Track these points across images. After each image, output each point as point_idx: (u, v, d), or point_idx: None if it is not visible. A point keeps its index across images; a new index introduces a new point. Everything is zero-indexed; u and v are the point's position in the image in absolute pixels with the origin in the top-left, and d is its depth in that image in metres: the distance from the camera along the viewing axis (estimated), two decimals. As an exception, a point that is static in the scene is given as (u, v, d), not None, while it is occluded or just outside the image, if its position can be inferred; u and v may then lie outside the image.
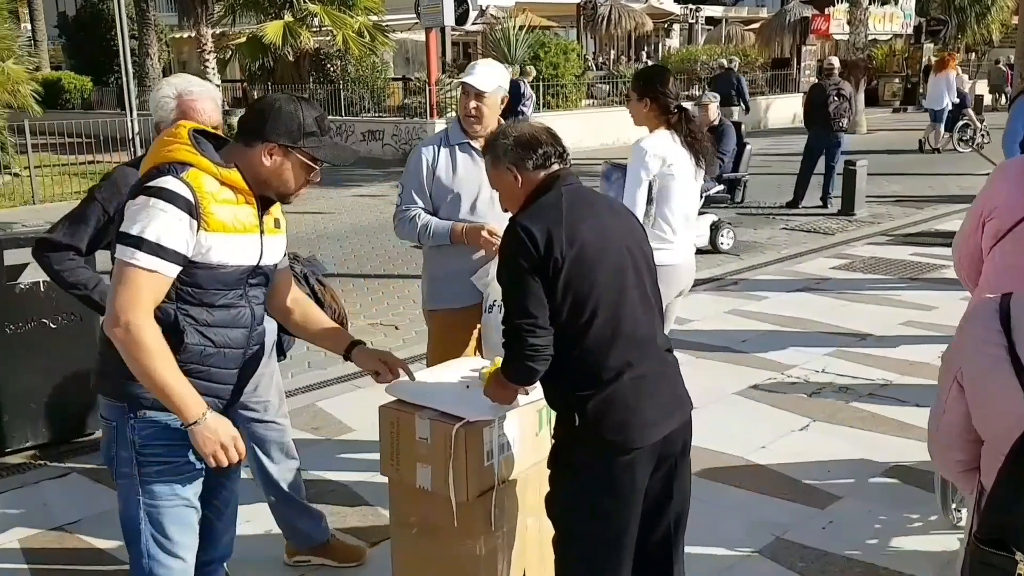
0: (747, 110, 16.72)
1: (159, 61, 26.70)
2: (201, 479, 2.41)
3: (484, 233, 3.44)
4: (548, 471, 2.50)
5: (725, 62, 17.39)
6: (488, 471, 2.59)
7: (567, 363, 2.34)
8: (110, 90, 26.04)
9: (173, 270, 2.19)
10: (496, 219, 3.57)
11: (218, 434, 2.23)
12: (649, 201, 3.78)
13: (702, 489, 4.03)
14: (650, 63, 27.27)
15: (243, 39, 20.73)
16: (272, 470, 3.36)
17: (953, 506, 3.56)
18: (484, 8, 26.61)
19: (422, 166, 3.54)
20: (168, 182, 2.18)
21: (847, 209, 11.02)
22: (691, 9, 31.27)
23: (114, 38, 29.82)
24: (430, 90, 17.43)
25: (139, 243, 2.14)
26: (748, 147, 9.79)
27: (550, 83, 19.96)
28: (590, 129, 20.19)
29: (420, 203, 3.54)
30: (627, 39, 31.99)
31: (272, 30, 19.32)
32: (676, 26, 35.30)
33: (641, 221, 3.50)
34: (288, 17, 19.96)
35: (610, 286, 2.36)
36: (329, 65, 20.86)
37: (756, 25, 31.76)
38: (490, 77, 3.54)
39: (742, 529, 3.73)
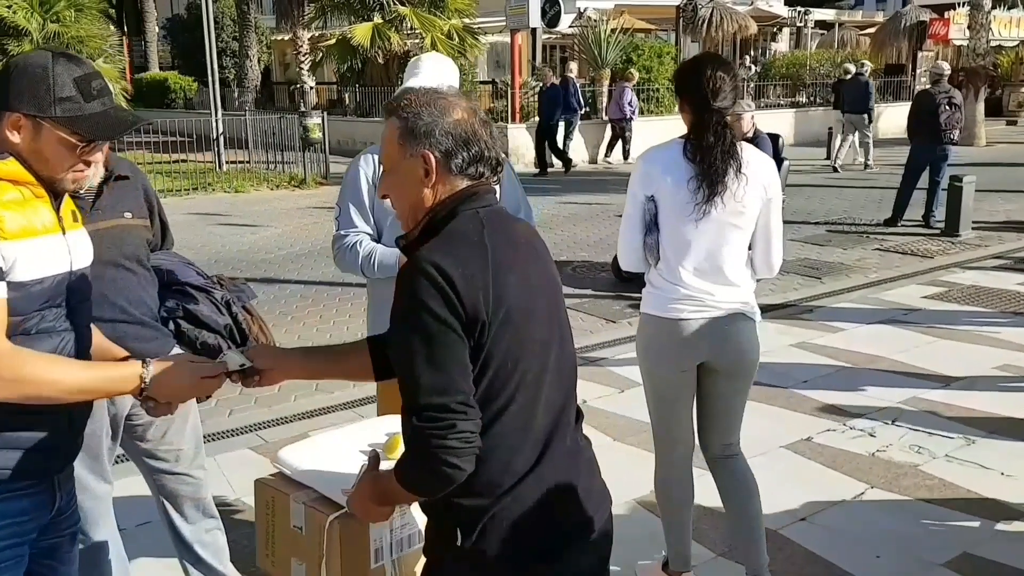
0: (870, 120, 15.61)
1: (258, 63, 27.17)
2: (23, 568, 1.92)
3: None
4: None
5: (853, 67, 16.30)
6: (377, 574, 2.01)
7: None
8: (208, 91, 26.50)
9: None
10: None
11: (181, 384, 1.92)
12: (650, 229, 2.90)
13: (714, 570, 3.36)
14: (754, 68, 26.16)
15: (333, 41, 20.68)
16: (185, 531, 2.86)
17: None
18: (582, 10, 26.04)
19: (361, 182, 2.97)
20: None
21: (951, 229, 9.97)
22: (799, 12, 29.82)
23: (217, 40, 30.63)
24: (513, 94, 16.91)
25: None
26: (786, 163, 8.53)
27: (642, 88, 19.20)
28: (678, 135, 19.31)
29: (362, 227, 2.98)
30: (732, 43, 30.80)
31: (360, 32, 19.17)
32: (786, 30, 33.86)
33: (639, 254, 2.95)
34: (377, 19, 19.79)
35: (533, 365, 1.71)
36: (417, 67, 20.55)
37: (872, 30, 30.09)
38: (439, 75, 2.98)
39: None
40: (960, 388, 5.21)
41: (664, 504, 3.18)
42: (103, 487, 2.66)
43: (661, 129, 18.71)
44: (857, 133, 15.91)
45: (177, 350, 2.63)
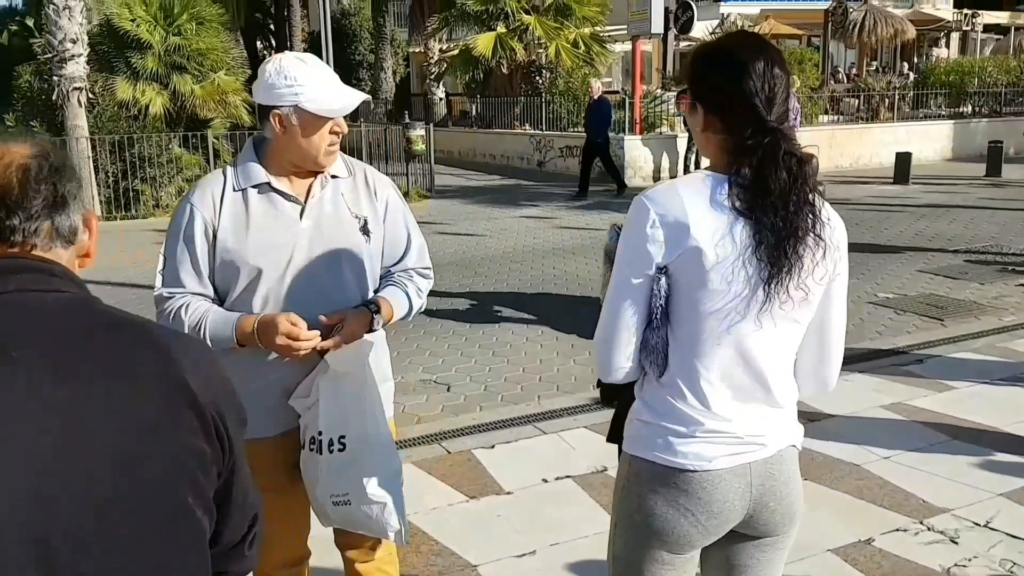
0: None
1: (393, 75, 27.37)
2: None
3: (283, 329, 2.18)
4: None
5: None
6: None
7: None
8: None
9: None
10: (318, 299, 2.30)
11: None
12: (652, 324, 1.76)
13: None
14: (912, 76, 24.08)
15: (457, 52, 20.42)
16: None
17: None
18: (725, 16, 24.80)
19: (195, 230, 2.25)
20: None
21: (1120, 264, 8.42)
22: (966, 15, 27.35)
23: (354, 52, 31.14)
24: (632, 104, 16.02)
25: None
26: (821, 188, 6.94)
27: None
28: (827, 147, 17.90)
29: (190, 286, 2.28)
30: (893, 48, 28.66)
31: (482, 42, 18.80)
32: (954, 34, 31.23)
33: (632, 361, 1.80)
34: (501, 28, 19.35)
35: None
36: (538, 77, 19.99)
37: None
38: (352, 93, 2.31)
39: None
40: (1092, 479, 4.04)
41: None
42: None
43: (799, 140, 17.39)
44: None
45: None
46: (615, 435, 1.92)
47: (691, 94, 1.79)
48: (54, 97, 13.41)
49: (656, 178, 15.25)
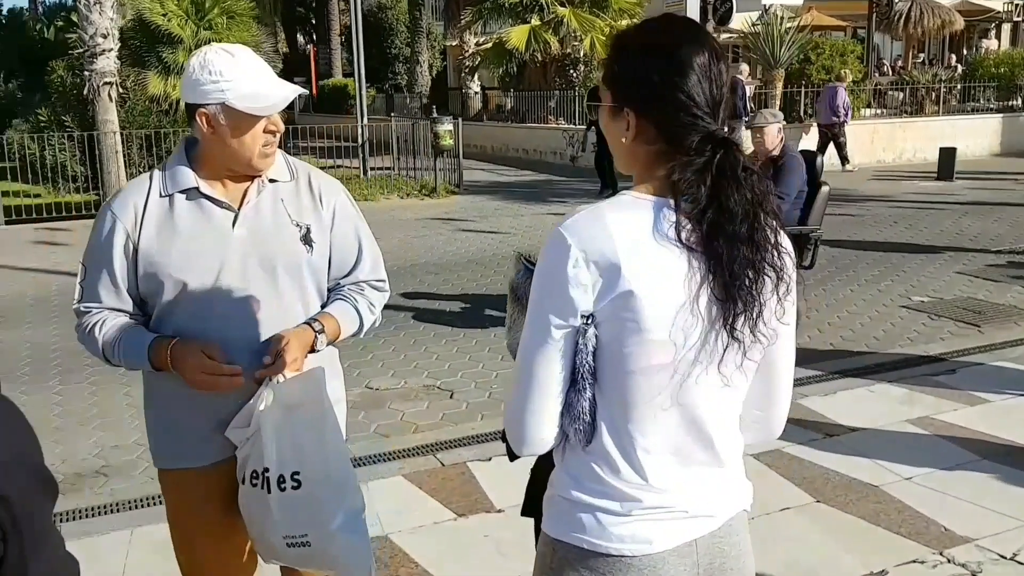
0: None
1: (429, 68, 27.24)
2: None
3: (195, 363, 2.00)
4: None
5: None
6: None
7: None
8: (381, 97, 26.83)
9: None
10: (253, 317, 2.11)
11: None
12: (577, 385, 1.41)
13: None
14: (960, 69, 23.34)
15: (490, 45, 20.21)
16: None
17: None
18: (767, 7, 24.24)
19: (115, 241, 2.05)
20: None
21: None
22: (1017, 5, 26.46)
23: (390, 46, 31.08)
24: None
25: None
26: (825, 189, 6.38)
27: (820, 89, 17.43)
28: (868, 142, 17.41)
29: (108, 301, 2.09)
30: (941, 40, 27.84)
31: (516, 35, 18.57)
32: (1005, 25, 30.25)
33: (552, 424, 1.44)
34: (535, 21, 19.09)
35: None
36: (573, 71, 19.70)
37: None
38: (286, 87, 2.10)
39: None
40: None
41: None
42: None
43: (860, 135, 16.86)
44: None
45: None
46: (531, 507, 1.60)
47: (614, 95, 1.44)
48: (85, 92, 13.45)
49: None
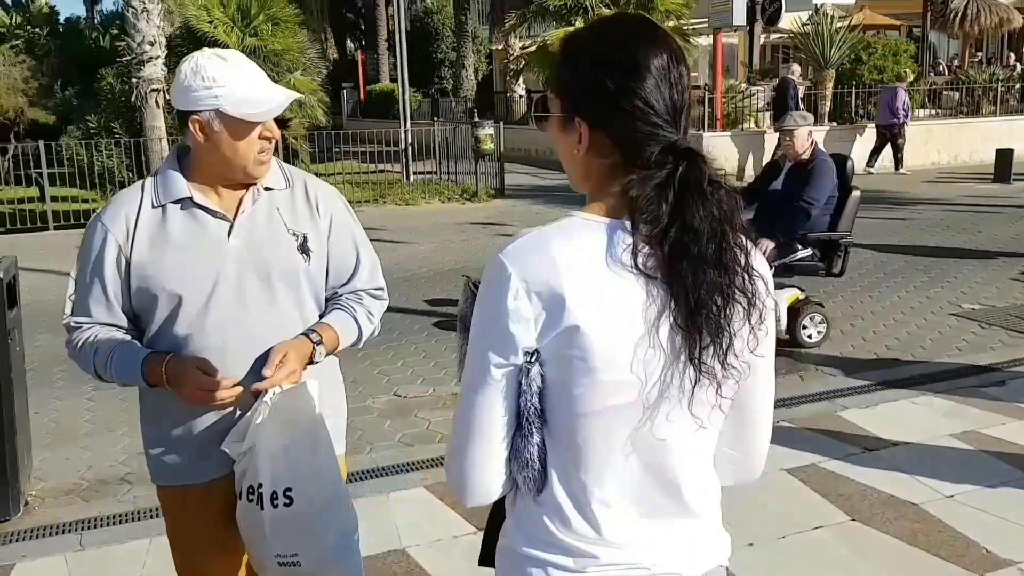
0: None
1: (475, 73, 27.28)
2: None
3: (191, 381, 1.95)
4: None
5: None
6: None
7: None
8: (426, 101, 26.90)
9: None
10: (250, 329, 2.05)
11: None
12: (523, 430, 1.27)
13: None
14: (1019, 68, 22.68)
15: (534, 48, 20.12)
16: None
17: None
18: (818, 6, 23.82)
19: (106, 254, 2.01)
20: None
21: None
22: (1081, 1, 25.66)
23: (436, 50, 31.18)
24: (713, 99, 15.46)
25: None
26: (856, 193, 6.11)
27: (873, 89, 17.07)
28: (923, 143, 16.97)
29: (99, 316, 2.04)
30: (999, 38, 27.09)
31: (558, 39, 18.43)
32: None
33: (499, 473, 1.31)
34: (579, 23, 18.96)
35: None
36: (617, 73, 19.51)
37: None
38: (280, 92, 2.04)
39: None
40: None
41: None
42: None
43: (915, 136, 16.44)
44: None
45: None
46: (488, 558, 1.42)
47: (563, 104, 1.30)
48: (133, 99, 13.68)
49: (738, 179, 14.63)
